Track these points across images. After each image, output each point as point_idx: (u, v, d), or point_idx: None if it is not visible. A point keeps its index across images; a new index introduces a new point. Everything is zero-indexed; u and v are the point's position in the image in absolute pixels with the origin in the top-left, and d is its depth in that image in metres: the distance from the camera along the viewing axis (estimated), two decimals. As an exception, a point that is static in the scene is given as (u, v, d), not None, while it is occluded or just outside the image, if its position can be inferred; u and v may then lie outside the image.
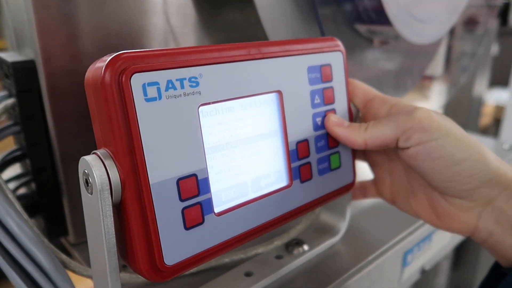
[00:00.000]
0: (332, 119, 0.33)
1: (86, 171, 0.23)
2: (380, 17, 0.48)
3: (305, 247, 0.39)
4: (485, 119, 1.94)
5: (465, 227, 0.31)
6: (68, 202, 0.39)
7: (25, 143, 0.37)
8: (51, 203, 0.39)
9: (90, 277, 0.33)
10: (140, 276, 0.33)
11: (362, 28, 0.51)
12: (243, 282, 0.34)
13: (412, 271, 0.47)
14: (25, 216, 0.31)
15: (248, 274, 0.35)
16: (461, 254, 0.74)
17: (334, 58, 0.34)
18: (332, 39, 0.34)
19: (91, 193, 0.23)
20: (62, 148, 0.37)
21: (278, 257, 0.38)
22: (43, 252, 0.30)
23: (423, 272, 0.50)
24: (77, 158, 0.38)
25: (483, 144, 0.30)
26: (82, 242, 0.41)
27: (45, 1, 0.33)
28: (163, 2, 0.40)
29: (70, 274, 0.32)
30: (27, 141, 0.36)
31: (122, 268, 0.35)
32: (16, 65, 0.34)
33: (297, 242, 0.39)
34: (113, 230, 0.23)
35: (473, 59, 0.80)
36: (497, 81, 1.76)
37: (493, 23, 0.94)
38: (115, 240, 0.24)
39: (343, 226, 0.41)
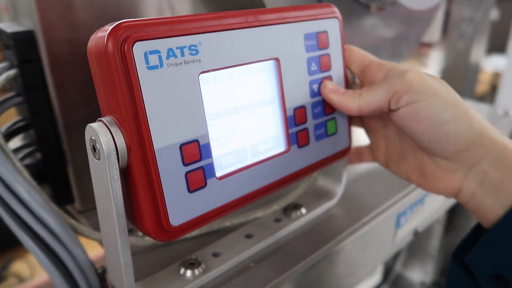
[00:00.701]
0: (328, 86, 0.34)
1: (93, 137, 0.24)
2: (377, -17, 0.48)
3: (303, 210, 0.40)
4: (483, 86, 1.94)
5: (450, 189, 0.32)
6: (73, 170, 0.41)
7: (28, 114, 0.37)
8: (57, 172, 0.40)
9: (98, 240, 0.35)
10: (146, 238, 0.35)
11: (359, -6, 0.50)
12: (244, 243, 0.36)
13: (405, 233, 0.49)
14: (34, 183, 0.33)
15: (248, 236, 0.37)
16: (453, 218, 0.76)
17: (331, 25, 0.34)
18: (329, 6, 0.34)
19: (99, 159, 0.24)
20: (65, 117, 0.38)
21: (277, 220, 0.39)
22: (53, 216, 0.31)
23: (416, 233, 0.52)
24: (80, 128, 0.39)
25: (471, 107, 0.31)
26: (88, 209, 0.43)
27: (41, -30, 0.33)
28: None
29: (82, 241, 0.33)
30: (30, 111, 0.37)
31: (129, 232, 0.37)
32: (16, 35, 0.35)
33: (295, 206, 0.41)
34: (121, 193, 0.25)
35: (471, 24, 0.80)
36: (497, 47, 1.75)
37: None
38: (122, 203, 0.25)
39: (339, 190, 0.42)
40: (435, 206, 0.54)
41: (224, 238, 0.37)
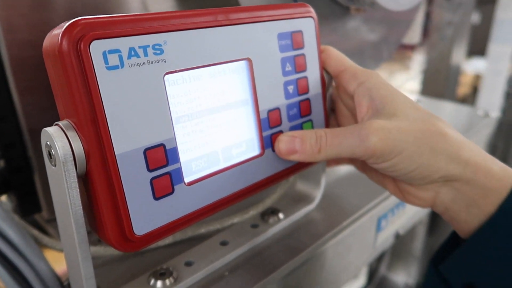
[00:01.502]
0: (282, 147, 0.32)
1: (48, 143, 0.23)
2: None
3: (281, 215, 0.39)
4: (464, 88, 1.97)
5: (423, 203, 0.32)
6: (39, 177, 0.39)
7: (-10, 119, 0.35)
8: (22, 179, 0.38)
9: (62, 250, 0.33)
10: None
11: (337, -5, 0.50)
12: (219, 250, 0.35)
13: (386, 236, 0.48)
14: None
15: (224, 243, 0.36)
16: (436, 219, 0.76)
17: (306, 24, 0.33)
18: (304, 5, 0.33)
19: (55, 165, 0.23)
20: (30, 122, 0.36)
21: (254, 226, 0.38)
22: (12, 227, 0.29)
23: (398, 236, 0.52)
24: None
25: (441, 129, 0.30)
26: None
27: (1, -33, 0.32)
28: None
29: (51, 253, 0.31)
30: (-8, 116, 0.35)
31: (97, 241, 0.35)
32: (-26, 36, 0.33)
33: (273, 211, 0.40)
34: (80, 201, 0.23)
35: (450, 26, 0.80)
36: (478, 50, 1.78)
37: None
38: (82, 212, 0.23)
39: (318, 194, 0.41)
40: (417, 208, 0.53)
41: (197, 246, 0.35)
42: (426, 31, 0.75)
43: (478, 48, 1.62)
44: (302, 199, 0.42)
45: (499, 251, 0.28)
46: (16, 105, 0.35)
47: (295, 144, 0.31)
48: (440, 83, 1.01)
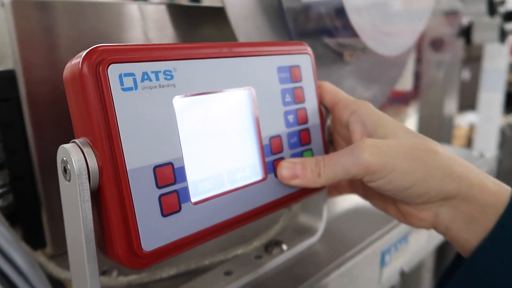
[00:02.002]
0: (284, 173, 0.33)
1: (64, 158, 0.24)
2: (347, 30, 0.51)
3: (284, 246, 0.39)
4: (460, 141, 2.00)
5: (425, 224, 0.33)
6: (46, 212, 0.39)
7: (3, 152, 0.37)
8: (29, 213, 0.39)
9: (67, 280, 0.33)
10: (120, 277, 0.34)
11: (331, 41, 0.54)
12: (223, 280, 0.35)
13: (391, 272, 0.48)
14: (2, 217, 0.31)
15: (227, 273, 0.36)
16: (443, 257, 0.74)
17: (303, 60, 0.36)
18: (300, 43, 0.36)
19: (69, 180, 0.24)
20: (41, 155, 0.38)
21: (258, 257, 0.38)
22: (20, 252, 0.30)
23: (403, 274, 0.51)
24: (55, 166, 0.38)
25: (434, 152, 0.31)
26: (60, 254, 0.41)
27: (25, 13, 0.35)
28: (141, 17, 0.42)
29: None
30: (5, 149, 0.37)
31: (103, 273, 0.35)
32: (-5, 74, 0.35)
33: (276, 243, 0.40)
34: (91, 216, 0.24)
35: (440, 69, 0.84)
36: (470, 105, 1.83)
37: (458, 45, 1.00)
38: (92, 226, 0.24)
39: (320, 226, 0.42)
40: (420, 244, 0.53)
41: (201, 276, 0.35)
42: (417, 77, 0.79)
43: (470, 103, 1.67)
44: (305, 231, 0.42)
45: (501, 267, 0.28)
46: (29, 139, 0.37)
47: (296, 169, 0.33)
48: (434, 132, 1.04)
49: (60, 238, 0.40)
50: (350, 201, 0.52)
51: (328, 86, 0.38)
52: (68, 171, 0.24)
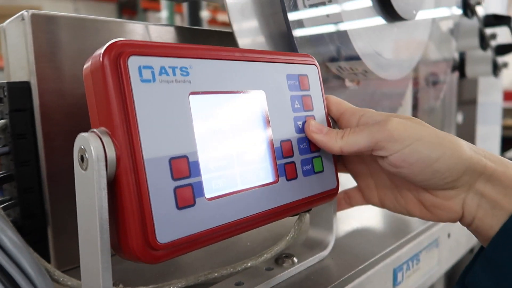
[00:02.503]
0: (312, 124, 0.35)
1: (82, 146, 0.24)
2: (350, 53, 0.53)
3: (295, 259, 0.38)
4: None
5: (453, 214, 0.33)
6: (52, 228, 0.39)
7: (13, 164, 0.37)
8: (35, 227, 0.38)
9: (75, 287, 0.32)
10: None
11: (332, 65, 0.55)
12: (234, 291, 0.33)
13: (404, 292, 0.46)
14: (9, 222, 0.31)
15: (238, 284, 0.34)
16: (452, 284, 0.72)
17: (310, 70, 0.37)
18: (307, 55, 0.38)
19: (86, 169, 0.24)
20: (50, 166, 0.38)
21: (268, 269, 0.37)
22: (27, 257, 0.29)
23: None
24: (63, 177, 0.38)
25: (455, 137, 0.32)
26: (64, 271, 0.39)
27: (42, 27, 0.36)
28: (147, 34, 0.44)
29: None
30: (16, 160, 0.37)
31: None
32: (11, 85, 0.36)
33: (286, 256, 0.39)
34: (106, 205, 0.24)
35: (438, 97, 0.86)
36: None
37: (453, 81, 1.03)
38: (107, 216, 0.24)
39: (331, 240, 0.41)
40: (432, 266, 0.52)
41: (212, 286, 0.34)
42: (415, 105, 0.81)
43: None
44: (315, 245, 0.41)
45: None
46: (40, 150, 0.37)
47: (323, 127, 0.35)
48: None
49: (64, 255, 0.39)
50: (358, 219, 0.52)
51: (333, 97, 0.40)
52: (85, 160, 0.24)
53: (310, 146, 0.36)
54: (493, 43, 0.91)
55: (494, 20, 0.84)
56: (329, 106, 0.39)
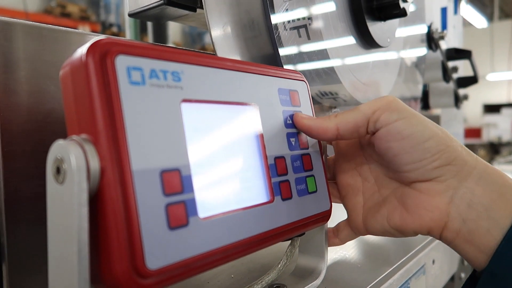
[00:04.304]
0: (301, 114, 0.33)
1: (59, 156, 0.20)
2: (331, 77, 0.52)
3: (287, 290, 0.35)
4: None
5: (438, 214, 0.30)
6: (8, 264, 0.33)
7: (-36, 188, 0.32)
8: (-13, 263, 0.33)
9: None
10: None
11: (313, 90, 0.55)
12: (224, 328, 0.30)
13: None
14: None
15: (229, 319, 0.31)
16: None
17: (300, 86, 0.36)
18: (297, 72, 0.36)
19: (62, 182, 0.20)
20: (8, 192, 0.33)
21: (260, 301, 0.34)
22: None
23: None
24: (25, 206, 0.34)
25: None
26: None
27: (8, 35, 0.33)
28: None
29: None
30: (-33, 183, 0.32)
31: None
32: (-33, 97, 0.32)
33: (278, 286, 0.36)
34: (87, 225, 0.20)
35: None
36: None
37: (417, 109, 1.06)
38: (88, 239, 0.20)
39: (323, 268, 0.38)
40: (420, 293, 0.50)
41: (199, 323, 0.30)
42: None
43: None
44: (307, 274, 0.38)
45: None
46: (-2, 171, 0.33)
47: (312, 116, 0.34)
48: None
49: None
50: (344, 246, 0.49)
51: None
52: (62, 171, 0.20)
53: (304, 164, 0.34)
54: (455, 75, 0.95)
55: (455, 53, 0.89)
56: None
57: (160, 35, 1.75)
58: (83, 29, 3.72)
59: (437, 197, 0.30)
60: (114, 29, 4.07)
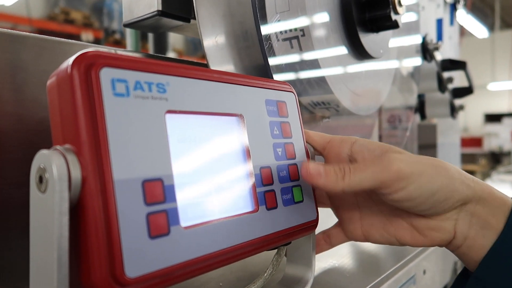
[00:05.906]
0: (311, 167, 0.32)
1: (42, 165, 0.21)
2: (323, 87, 0.53)
3: (273, 299, 0.35)
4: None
5: (446, 235, 0.33)
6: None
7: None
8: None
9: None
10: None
11: (305, 99, 0.55)
12: (208, 336, 0.30)
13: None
14: None
15: (213, 328, 0.31)
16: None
17: (288, 97, 0.36)
18: (285, 83, 0.37)
19: (44, 191, 0.21)
20: (0, 199, 0.33)
21: (245, 311, 0.34)
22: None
23: None
24: (15, 215, 0.34)
25: (442, 161, 0.33)
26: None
27: (4, 46, 0.34)
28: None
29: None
30: (-42, 190, 0.32)
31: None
32: (-40, 106, 0.32)
33: (264, 295, 0.36)
34: (68, 234, 0.21)
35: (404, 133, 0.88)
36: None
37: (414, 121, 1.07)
38: (68, 247, 0.21)
39: (310, 277, 0.38)
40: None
41: (183, 332, 0.30)
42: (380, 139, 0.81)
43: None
44: (294, 283, 0.38)
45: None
46: (-13, 178, 0.33)
47: (320, 169, 0.32)
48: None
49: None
50: (333, 255, 0.50)
51: (312, 131, 0.38)
52: (45, 180, 0.21)
53: (290, 174, 0.34)
54: (450, 86, 0.96)
55: (450, 64, 0.89)
56: (312, 137, 0.38)
57: (161, 42, 1.76)
58: (86, 35, 3.74)
59: (445, 221, 0.33)
60: (117, 36, 4.10)
